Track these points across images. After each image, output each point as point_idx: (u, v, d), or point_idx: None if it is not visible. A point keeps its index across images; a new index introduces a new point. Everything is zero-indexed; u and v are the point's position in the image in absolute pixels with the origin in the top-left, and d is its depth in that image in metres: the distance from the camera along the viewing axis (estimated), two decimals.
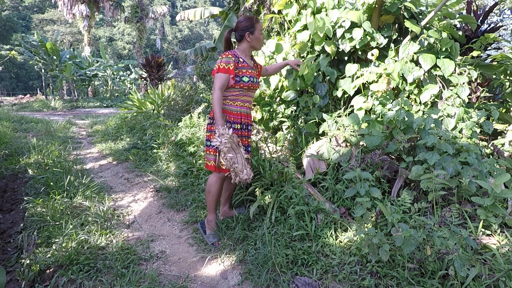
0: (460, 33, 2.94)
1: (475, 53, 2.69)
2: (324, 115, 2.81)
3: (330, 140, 2.64)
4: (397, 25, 2.97)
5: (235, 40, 2.29)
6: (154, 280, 1.82)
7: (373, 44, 2.81)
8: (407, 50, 2.69)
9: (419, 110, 2.60)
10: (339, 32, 2.84)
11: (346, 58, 3.08)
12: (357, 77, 2.81)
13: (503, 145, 2.54)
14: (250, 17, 2.23)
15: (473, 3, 3.39)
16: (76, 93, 18.21)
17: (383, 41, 2.82)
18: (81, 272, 1.88)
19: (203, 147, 3.56)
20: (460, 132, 2.42)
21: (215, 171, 2.20)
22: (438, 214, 1.88)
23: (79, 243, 2.13)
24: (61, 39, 31.76)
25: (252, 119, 3.23)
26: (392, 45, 2.89)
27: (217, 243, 2.20)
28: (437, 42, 2.67)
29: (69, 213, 2.61)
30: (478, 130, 2.43)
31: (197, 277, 1.90)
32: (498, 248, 1.70)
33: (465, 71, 2.61)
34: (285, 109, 3.25)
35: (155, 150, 4.43)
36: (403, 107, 2.40)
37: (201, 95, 5.64)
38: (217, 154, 2.15)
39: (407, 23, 2.64)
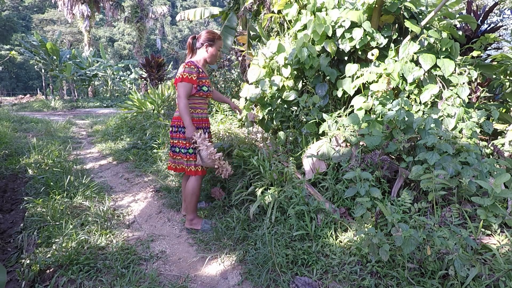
0: (460, 33, 2.94)
1: (475, 53, 2.69)
2: (324, 115, 2.81)
3: (330, 140, 2.64)
4: (397, 25, 2.97)
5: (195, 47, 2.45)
6: (154, 280, 1.82)
7: (373, 44, 2.81)
8: (407, 50, 2.69)
9: (419, 110, 2.60)
10: (339, 32, 2.83)
11: (346, 58, 3.08)
12: (357, 77, 2.81)
13: (503, 145, 2.54)
14: (214, 33, 2.44)
15: (473, 3, 3.39)
16: (76, 93, 18.21)
17: (383, 41, 2.82)
18: (81, 272, 1.88)
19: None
20: (460, 132, 2.42)
21: (198, 174, 2.40)
22: (438, 214, 1.88)
23: (79, 243, 2.13)
24: (61, 39, 31.74)
25: (255, 120, 3.26)
26: (392, 45, 2.89)
27: (214, 224, 2.43)
28: (437, 42, 2.67)
29: (69, 213, 2.61)
30: (478, 130, 2.43)
31: (197, 277, 1.90)
32: (498, 248, 1.70)
33: (465, 71, 2.61)
34: (286, 109, 3.25)
35: (155, 150, 4.43)
36: (403, 107, 2.40)
37: None
38: (192, 159, 2.37)
39: (407, 23, 2.64)
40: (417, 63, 2.72)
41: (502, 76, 2.93)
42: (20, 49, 16.31)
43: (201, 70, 2.35)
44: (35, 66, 19.44)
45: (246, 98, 3.26)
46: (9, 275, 1.88)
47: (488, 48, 3.44)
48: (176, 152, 2.42)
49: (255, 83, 3.17)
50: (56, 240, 2.15)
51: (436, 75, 2.70)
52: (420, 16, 2.97)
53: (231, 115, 4.73)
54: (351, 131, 2.51)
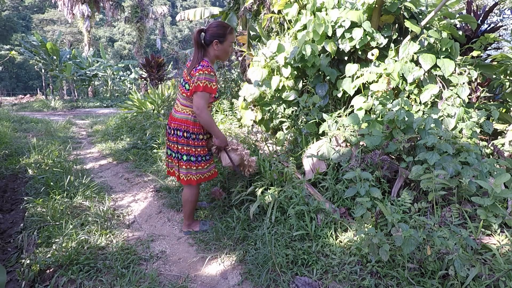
0: (460, 33, 2.94)
1: (475, 53, 2.69)
2: (324, 115, 2.81)
3: (330, 140, 2.64)
4: (397, 25, 2.97)
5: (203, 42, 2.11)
6: (154, 280, 1.82)
7: (373, 44, 2.81)
8: (407, 50, 2.69)
9: (419, 110, 2.60)
10: (339, 32, 2.84)
11: (346, 58, 3.08)
12: (357, 77, 2.81)
13: (503, 145, 2.54)
14: (225, 26, 2.10)
15: (473, 3, 3.39)
16: (76, 93, 18.20)
17: (383, 41, 2.82)
18: (81, 272, 1.88)
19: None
20: (460, 132, 2.42)
21: (190, 184, 2.27)
22: (438, 214, 1.88)
23: (79, 243, 2.13)
24: (61, 39, 31.74)
25: (254, 120, 3.26)
26: (392, 45, 2.89)
27: (212, 224, 2.41)
28: (437, 42, 2.68)
29: (69, 213, 2.61)
30: (478, 130, 2.43)
31: (197, 277, 1.90)
32: (498, 248, 1.70)
33: (465, 71, 2.61)
34: (285, 109, 3.25)
35: (155, 150, 4.43)
36: (403, 107, 2.40)
37: None
38: (193, 167, 2.24)
39: (407, 23, 2.64)
40: (417, 63, 2.72)
41: (502, 76, 2.93)
42: (20, 49, 16.29)
43: (214, 73, 2.12)
44: (35, 66, 19.42)
45: (244, 98, 3.26)
46: (9, 275, 1.88)
47: (488, 48, 3.44)
48: (179, 159, 2.23)
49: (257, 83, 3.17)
50: (56, 240, 2.15)
51: (436, 75, 2.70)
52: (420, 16, 2.98)
53: (231, 115, 4.73)
54: (351, 131, 2.51)
